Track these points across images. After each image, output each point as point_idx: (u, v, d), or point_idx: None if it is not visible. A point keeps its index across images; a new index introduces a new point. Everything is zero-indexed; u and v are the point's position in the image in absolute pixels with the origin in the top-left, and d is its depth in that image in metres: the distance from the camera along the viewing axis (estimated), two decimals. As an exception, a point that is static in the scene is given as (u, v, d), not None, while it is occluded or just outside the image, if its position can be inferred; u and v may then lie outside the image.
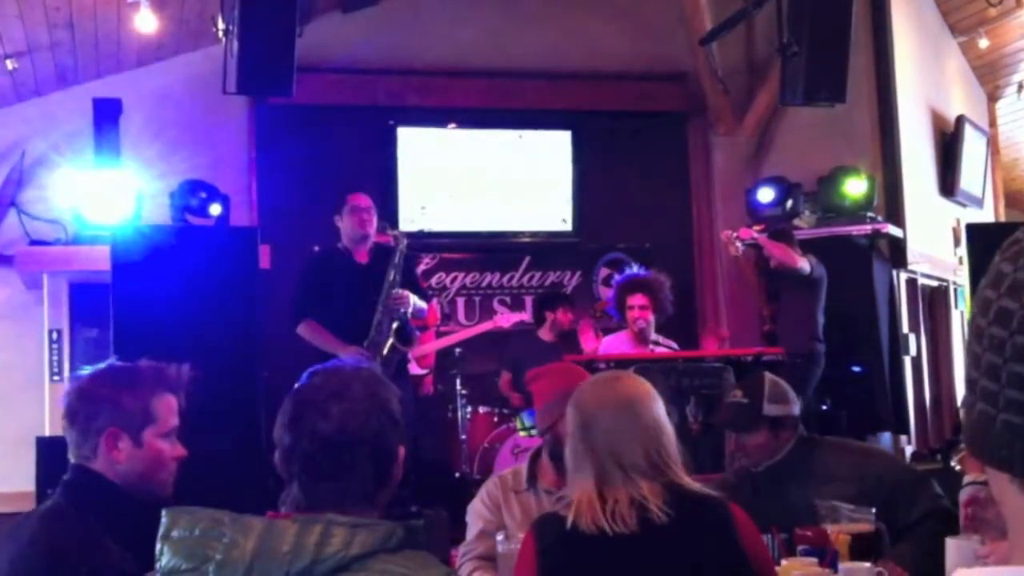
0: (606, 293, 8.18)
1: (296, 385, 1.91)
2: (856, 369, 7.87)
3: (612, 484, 2.35)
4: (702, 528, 2.32)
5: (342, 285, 5.86)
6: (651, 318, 6.52)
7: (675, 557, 2.29)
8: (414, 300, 5.92)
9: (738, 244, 7.47)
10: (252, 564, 1.62)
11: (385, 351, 5.77)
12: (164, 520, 1.72)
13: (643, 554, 2.29)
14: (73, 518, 2.39)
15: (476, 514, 3.42)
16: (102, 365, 2.56)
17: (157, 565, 1.69)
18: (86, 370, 2.55)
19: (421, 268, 7.94)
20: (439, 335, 7.69)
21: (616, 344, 6.63)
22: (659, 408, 2.45)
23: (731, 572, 2.30)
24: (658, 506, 2.29)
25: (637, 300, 6.50)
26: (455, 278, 8.48)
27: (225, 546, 1.65)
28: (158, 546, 1.70)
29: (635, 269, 7.06)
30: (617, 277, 7.15)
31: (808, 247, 7.58)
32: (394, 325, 5.84)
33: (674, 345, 6.69)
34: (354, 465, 1.81)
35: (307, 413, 1.83)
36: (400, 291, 5.88)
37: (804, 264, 7.01)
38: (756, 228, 7.61)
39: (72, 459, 2.49)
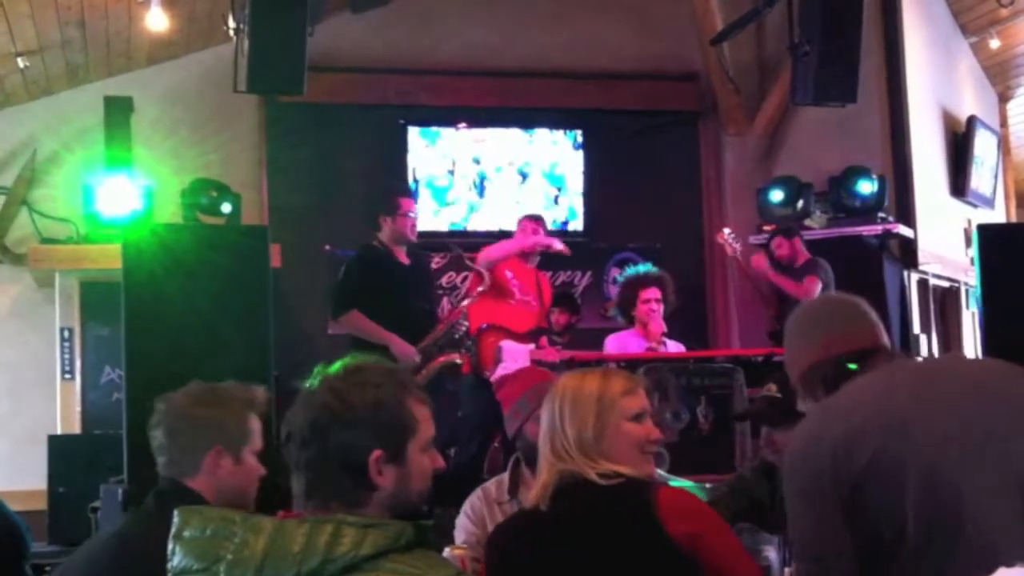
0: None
1: None
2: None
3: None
4: (598, 516, 2.36)
5: (392, 284, 5.83)
6: (662, 312, 6.52)
7: (561, 541, 2.38)
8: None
9: (735, 245, 7.45)
10: (263, 564, 1.63)
11: (434, 365, 5.72)
12: (176, 520, 1.72)
13: (534, 533, 2.45)
14: (158, 522, 2.45)
15: (459, 527, 3.38)
16: (191, 385, 2.68)
17: (168, 565, 1.70)
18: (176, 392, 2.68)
19: (432, 267, 7.91)
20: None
21: (623, 342, 6.57)
22: (569, 401, 2.47)
23: (653, 557, 2.30)
24: (546, 492, 2.42)
25: (652, 294, 6.49)
26: (466, 277, 8.46)
27: (236, 546, 1.65)
28: (170, 546, 1.71)
29: (639, 266, 6.97)
30: (623, 273, 7.01)
31: (819, 247, 7.55)
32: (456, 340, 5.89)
33: (681, 348, 6.64)
34: (320, 460, 1.77)
35: (295, 407, 1.84)
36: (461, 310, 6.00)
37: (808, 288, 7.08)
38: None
39: (164, 472, 2.61)
